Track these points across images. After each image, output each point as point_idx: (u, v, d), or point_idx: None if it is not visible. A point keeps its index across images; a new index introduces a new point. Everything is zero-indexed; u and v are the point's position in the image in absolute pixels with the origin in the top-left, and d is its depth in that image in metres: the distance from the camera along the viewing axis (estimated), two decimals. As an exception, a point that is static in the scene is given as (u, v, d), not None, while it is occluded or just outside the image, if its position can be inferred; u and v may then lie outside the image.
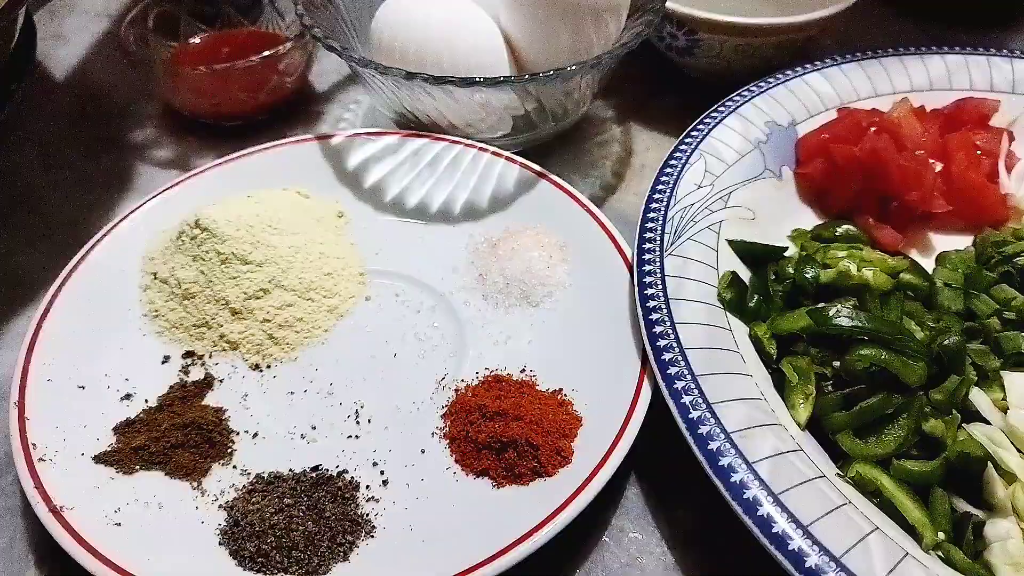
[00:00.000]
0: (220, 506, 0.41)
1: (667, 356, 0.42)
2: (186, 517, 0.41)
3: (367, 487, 0.42)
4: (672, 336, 0.43)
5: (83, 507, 0.39)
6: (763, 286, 0.48)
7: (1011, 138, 0.59)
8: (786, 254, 0.51)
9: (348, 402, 0.46)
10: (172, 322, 0.49)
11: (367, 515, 0.41)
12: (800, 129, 0.59)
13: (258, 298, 0.48)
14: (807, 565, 0.34)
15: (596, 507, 0.40)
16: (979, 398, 0.42)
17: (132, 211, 0.53)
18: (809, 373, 0.43)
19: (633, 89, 0.71)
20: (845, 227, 0.53)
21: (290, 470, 0.43)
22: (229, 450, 0.44)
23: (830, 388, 0.43)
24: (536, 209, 0.55)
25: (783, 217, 0.55)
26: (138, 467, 0.42)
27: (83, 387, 0.45)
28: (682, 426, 0.40)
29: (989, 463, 0.39)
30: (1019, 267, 0.49)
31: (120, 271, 0.51)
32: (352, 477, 0.43)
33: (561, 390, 0.46)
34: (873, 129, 0.56)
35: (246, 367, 0.48)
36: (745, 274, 0.50)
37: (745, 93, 0.59)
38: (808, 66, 0.62)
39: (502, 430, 0.42)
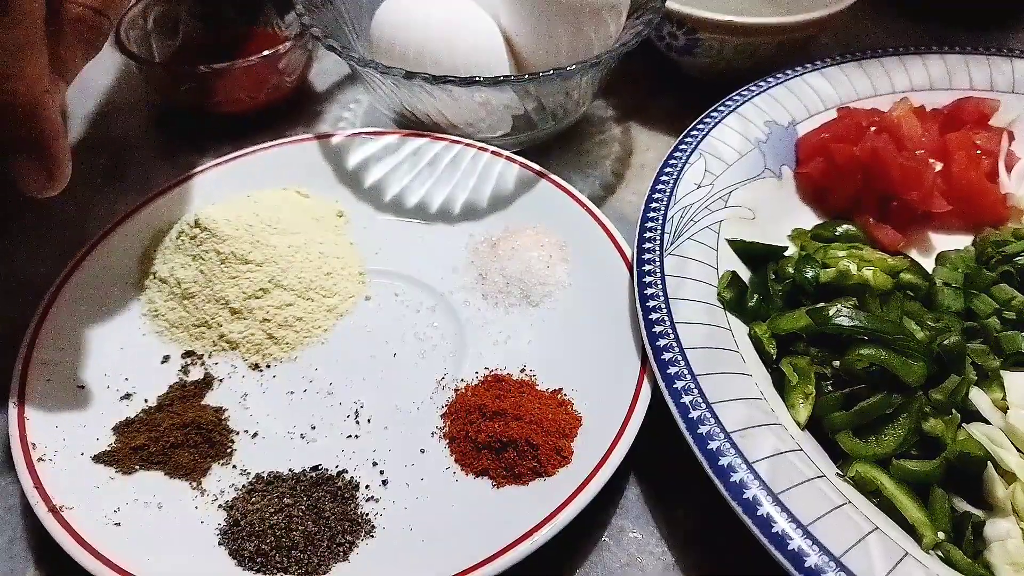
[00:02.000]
0: (220, 506, 0.41)
1: (667, 356, 0.42)
2: (186, 517, 0.41)
3: (367, 487, 0.42)
4: (672, 336, 0.43)
5: (82, 507, 0.39)
6: (763, 286, 0.48)
7: (1011, 138, 0.59)
8: (786, 254, 0.51)
9: (348, 402, 0.46)
10: (172, 322, 0.49)
11: (367, 515, 0.41)
12: (800, 129, 0.59)
13: (257, 298, 0.48)
14: (807, 565, 0.34)
15: (596, 507, 0.40)
16: (979, 398, 0.42)
17: (132, 211, 0.53)
18: (809, 373, 0.43)
19: (633, 89, 0.71)
20: (845, 227, 0.53)
21: (290, 470, 0.43)
22: (229, 450, 0.44)
23: (830, 388, 0.43)
24: (536, 209, 0.55)
25: (783, 217, 0.55)
26: (138, 467, 0.42)
27: (82, 387, 0.45)
28: (682, 426, 0.40)
29: (989, 463, 0.39)
30: (1019, 267, 0.49)
31: (120, 271, 0.51)
32: (352, 477, 0.43)
33: (561, 390, 0.46)
34: (873, 129, 0.56)
35: (246, 367, 0.48)
36: (745, 274, 0.50)
37: (745, 92, 0.59)
38: (808, 66, 0.62)
39: (502, 430, 0.42)
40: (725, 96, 0.59)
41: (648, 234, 0.49)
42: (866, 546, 0.35)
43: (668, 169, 0.53)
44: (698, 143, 0.55)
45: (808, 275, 0.47)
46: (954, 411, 0.42)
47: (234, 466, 0.43)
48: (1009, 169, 0.57)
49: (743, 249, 0.51)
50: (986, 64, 0.63)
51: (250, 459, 0.43)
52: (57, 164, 0.40)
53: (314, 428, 0.45)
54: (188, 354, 0.48)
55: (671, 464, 0.43)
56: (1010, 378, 0.43)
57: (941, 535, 0.38)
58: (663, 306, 0.45)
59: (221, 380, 0.47)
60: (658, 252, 0.47)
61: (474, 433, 0.43)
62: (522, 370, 0.47)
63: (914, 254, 0.54)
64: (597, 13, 0.55)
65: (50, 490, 0.39)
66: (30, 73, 0.37)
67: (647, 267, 0.47)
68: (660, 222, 0.49)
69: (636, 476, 0.45)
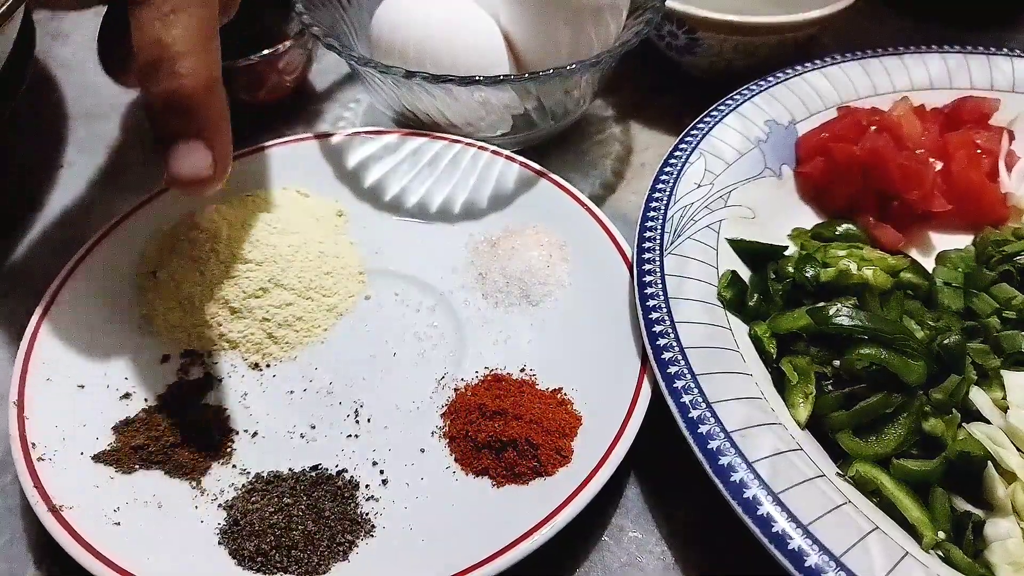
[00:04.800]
0: (219, 505, 0.41)
1: (667, 355, 0.42)
2: (185, 516, 0.41)
3: (367, 486, 0.42)
4: (672, 335, 0.43)
5: (82, 506, 0.39)
6: (763, 285, 0.48)
7: (1011, 137, 0.58)
8: (786, 253, 0.51)
9: (347, 401, 0.46)
10: (171, 321, 0.49)
11: (367, 514, 0.41)
12: (800, 128, 0.59)
13: (257, 297, 0.48)
14: (807, 564, 0.34)
15: (596, 506, 0.40)
16: (979, 397, 0.42)
17: (132, 211, 0.53)
18: (809, 372, 0.43)
19: (633, 88, 0.71)
20: (845, 226, 0.53)
21: (289, 469, 0.43)
22: (228, 449, 0.44)
23: (830, 387, 0.43)
24: (536, 208, 0.55)
25: (783, 216, 0.55)
26: (137, 466, 0.42)
27: (82, 386, 0.45)
28: (682, 425, 0.40)
29: (989, 462, 0.39)
30: (1019, 266, 0.49)
31: (120, 271, 0.51)
32: (352, 476, 0.43)
33: (561, 389, 0.46)
34: (873, 128, 0.55)
35: (245, 366, 0.48)
36: (745, 273, 0.50)
37: (745, 92, 0.59)
38: (808, 65, 0.62)
39: (502, 429, 0.42)
40: (725, 95, 0.59)
41: (648, 233, 0.49)
42: (866, 546, 0.35)
43: (668, 168, 0.53)
44: (698, 142, 0.55)
45: (808, 274, 0.47)
46: (954, 411, 0.42)
47: (234, 466, 0.43)
48: (1009, 168, 0.57)
49: (743, 248, 0.51)
50: (986, 63, 0.63)
51: (250, 459, 0.43)
52: (224, 150, 0.38)
53: (314, 428, 0.45)
54: (188, 354, 0.48)
55: (671, 464, 0.43)
56: (1010, 378, 0.43)
57: (941, 535, 0.38)
58: (663, 305, 0.45)
59: (221, 380, 0.47)
60: (658, 251, 0.47)
61: (474, 432, 0.43)
62: (522, 370, 0.47)
63: (914, 254, 0.54)
64: (597, 12, 0.55)
65: (50, 490, 0.39)
66: (209, 51, 0.35)
67: (647, 266, 0.47)
68: (660, 221, 0.49)
69: (636, 476, 0.45)
